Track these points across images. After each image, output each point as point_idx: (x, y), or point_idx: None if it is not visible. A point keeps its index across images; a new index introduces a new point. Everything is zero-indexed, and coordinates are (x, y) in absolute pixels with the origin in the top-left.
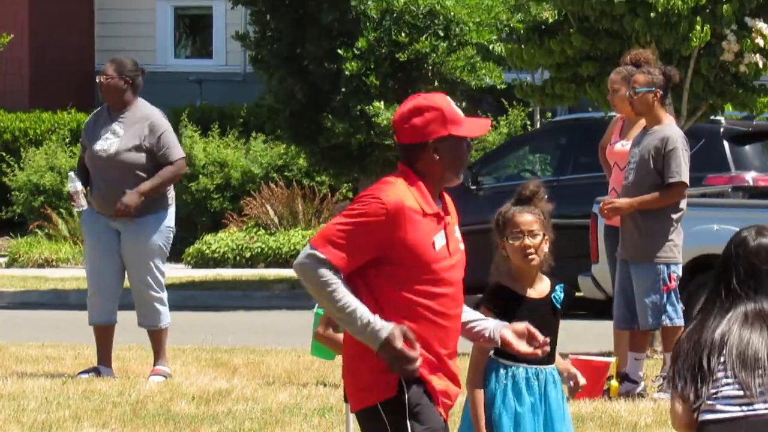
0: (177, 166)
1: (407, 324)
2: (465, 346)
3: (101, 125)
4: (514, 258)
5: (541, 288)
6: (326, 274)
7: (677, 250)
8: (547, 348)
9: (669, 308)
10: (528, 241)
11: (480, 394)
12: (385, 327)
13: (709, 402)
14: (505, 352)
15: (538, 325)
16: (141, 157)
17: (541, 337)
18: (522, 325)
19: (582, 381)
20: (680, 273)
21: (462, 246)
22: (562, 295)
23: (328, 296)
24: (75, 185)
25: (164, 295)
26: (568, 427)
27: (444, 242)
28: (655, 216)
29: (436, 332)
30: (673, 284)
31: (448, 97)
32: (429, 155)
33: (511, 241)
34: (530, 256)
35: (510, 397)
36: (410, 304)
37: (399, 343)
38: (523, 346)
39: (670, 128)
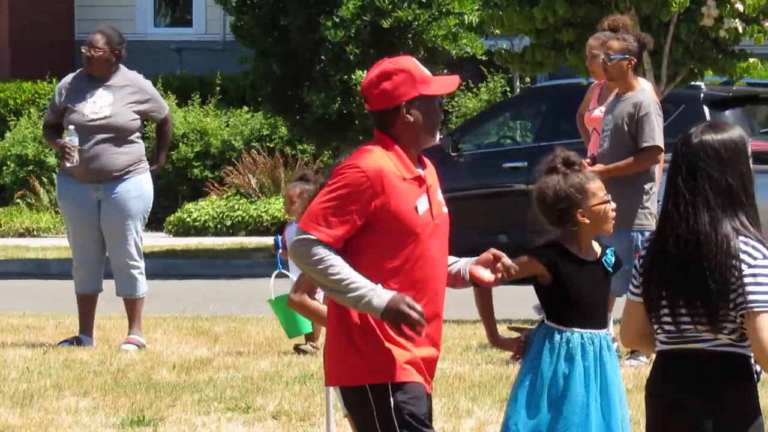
0: (170, 123)
1: (392, 287)
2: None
3: (84, 89)
4: (599, 223)
5: (592, 253)
6: (319, 252)
7: (652, 218)
8: (512, 270)
9: None
10: (610, 206)
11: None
12: (385, 293)
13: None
14: (558, 318)
15: (591, 288)
16: (135, 120)
17: (505, 260)
18: (486, 254)
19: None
20: None
21: (445, 210)
22: (613, 258)
23: (323, 272)
24: (74, 139)
25: (142, 264)
26: (622, 394)
27: (427, 206)
28: (629, 183)
29: (421, 297)
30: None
31: (415, 59)
32: (402, 118)
33: (599, 207)
34: (613, 221)
35: (562, 364)
36: (394, 269)
37: (403, 306)
38: (486, 274)
39: (643, 93)
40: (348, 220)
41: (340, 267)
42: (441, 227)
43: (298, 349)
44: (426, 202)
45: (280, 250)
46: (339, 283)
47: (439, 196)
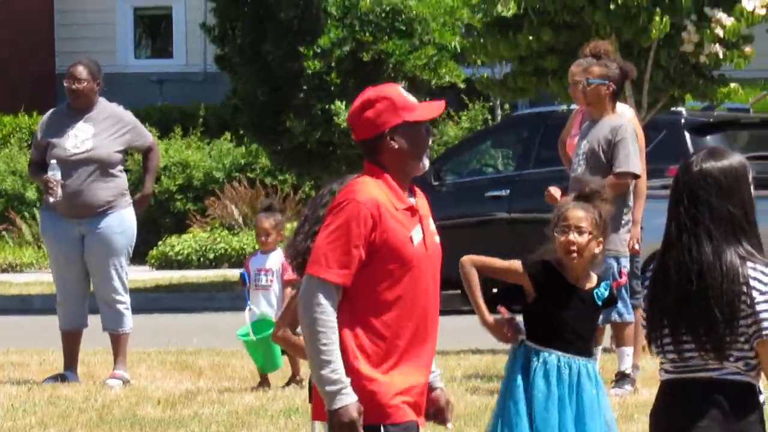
0: (156, 151)
1: (384, 319)
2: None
3: (65, 123)
4: (558, 251)
5: (585, 282)
6: (326, 309)
7: (626, 245)
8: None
9: (619, 304)
10: (573, 236)
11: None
12: (347, 397)
13: None
14: (537, 337)
15: (574, 314)
16: (117, 153)
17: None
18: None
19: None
20: (629, 267)
21: (438, 239)
22: (605, 292)
23: (315, 334)
24: (56, 174)
25: (128, 299)
26: (602, 426)
27: (421, 237)
28: None
29: (413, 328)
30: (624, 279)
31: (400, 87)
32: (387, 145)
33: (556, 234)
34: (572, 254)
35: (539, 382)
36: (389, 302)
37: (348, 425)
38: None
39: (619, 118)
40: (356, 255)
41: (332, 343)
42: (434, 258)
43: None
44: (420, 232)
45: (248, 285)
46: (320, 354)
47: (432, 226)
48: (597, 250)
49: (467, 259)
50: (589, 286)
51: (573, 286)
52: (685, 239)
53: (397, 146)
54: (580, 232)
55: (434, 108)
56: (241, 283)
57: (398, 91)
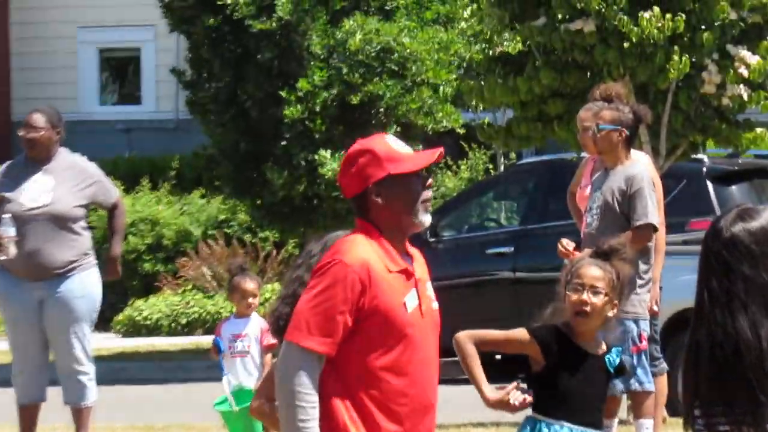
0: (121, 208)
1: (378, 391)
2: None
3: (21, 176)
4: (568, 311)
5: (596, 347)
6: (305, 381)
7: (645, 306)
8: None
9: (639, 371)
10: (586, 296)
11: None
12: None
13: None
14: (546, 410)
15: (585, 382)
16: (78, 208)
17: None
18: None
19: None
20: (649, 330)
21: (436, 305)
22: (617, 359)
23: (293, 409)
24: (9, 230)
25: (91, 369)
26: None
27: (416, 303)
28: None
29: (410, 401)
30: (644, 344)
31: (389, 136)
32: (373, 202)
33: (568, 292)
34: (582, 316)
35: None
36: (380, 375)
37: None
38: None
39: (634, 166)
40: (340, 322)
41: (311, 420)
42: (431, 325)
43: None
44: (415, 298)
45: (223, 353)
46: (297, 429)
47: (429, 291)
48: (611, 314)
49: (463, 336)
50: (599, 351)
51: (583, 351)
52: (718, 314)
53: (382, 202)
54: (595, 293)
55: (424, 157)
56: (215, 352)
57: (383, 141)
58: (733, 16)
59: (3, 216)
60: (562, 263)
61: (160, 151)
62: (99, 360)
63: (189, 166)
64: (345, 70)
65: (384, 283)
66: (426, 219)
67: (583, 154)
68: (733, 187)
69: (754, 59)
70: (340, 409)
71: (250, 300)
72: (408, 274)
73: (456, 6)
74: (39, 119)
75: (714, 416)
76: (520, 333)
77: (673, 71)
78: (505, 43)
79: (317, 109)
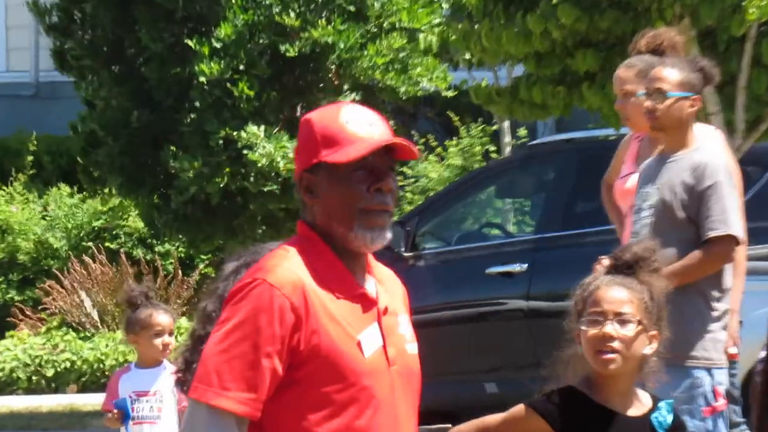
0: None
1: None
2: None
3: None
4: (586, 354)
5: (634, 405)
6: None
7: (721, 349)
8: None
9: None
10: (609, 329)
11: None
12: None
13: None
14: None
15: None
16: None
17: None
18: None
19: None
20: (727, 383)
21: (413, 348)
22: (669, 417)
23: None
24: None
25: None
26: None
27: (379, 344)
28: (686, 293)
29: None
30: (721, 404)
31: (351, 106)
32: (305, 198)
33: (582, 328)
34: (607, 355)
35: None
36: None
37: None
38: None
39: (704, 151)
40: (266, 370)
41: None
42: (405, 377)
43: None
44: (377, 337)
45: (131, 422)
46: None
47: (403, 328)
48: (649, 350)
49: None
50: (638, 410)
51: (612, 412)
52: None
53: (314, 200)
54: (623, 322)
55: (368, 143)
56: (117, 418)
57: (334, 112)
58: None
59: None
60: None
61: (12, 129)
62: None
63: (54, 149)
64: (277, 9)
65: (328, 313)
66: (373, 237)
67: (624, 130)
68: None
69: None
70: None
71: (166, 340)
72: (367, 301)
73: None
74: None
75: None
76: (518, 410)
77: (752, 10)
78: None
79: (241, 66)
